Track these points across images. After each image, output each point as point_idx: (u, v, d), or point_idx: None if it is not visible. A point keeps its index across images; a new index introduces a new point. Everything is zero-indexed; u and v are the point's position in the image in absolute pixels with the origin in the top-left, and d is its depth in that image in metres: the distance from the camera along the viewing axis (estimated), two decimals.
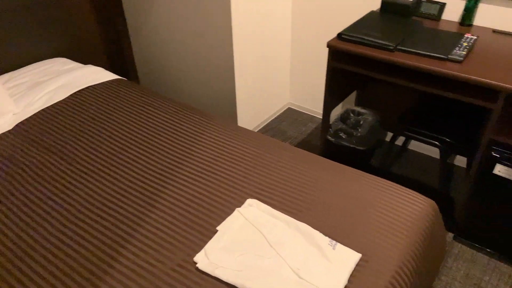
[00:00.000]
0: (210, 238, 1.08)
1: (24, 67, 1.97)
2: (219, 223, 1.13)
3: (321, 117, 2.69)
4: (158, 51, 2.52)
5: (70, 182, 1.30)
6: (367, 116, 2.08)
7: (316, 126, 2.62)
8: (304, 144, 2.45)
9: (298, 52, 2.55)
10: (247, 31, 2.17)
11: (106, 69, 2.52)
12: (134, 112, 1.65)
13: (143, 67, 2.71)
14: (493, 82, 1.37)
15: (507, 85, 1.34)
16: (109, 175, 1.33)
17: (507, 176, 1.45)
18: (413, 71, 1.62)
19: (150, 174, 1.33)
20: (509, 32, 1.72)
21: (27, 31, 1.96)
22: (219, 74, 2.28)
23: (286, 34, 2.49)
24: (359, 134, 1.99)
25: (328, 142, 2.05)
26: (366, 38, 1.66)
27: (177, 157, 1.40)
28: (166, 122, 1.59)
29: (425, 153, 2.30)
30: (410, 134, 1.78)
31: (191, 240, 1.09)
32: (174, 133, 1.53)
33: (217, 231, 1.10)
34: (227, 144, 1.47)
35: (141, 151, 1.43)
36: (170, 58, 2.49)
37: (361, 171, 1.39)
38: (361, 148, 1.99)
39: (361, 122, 2.06)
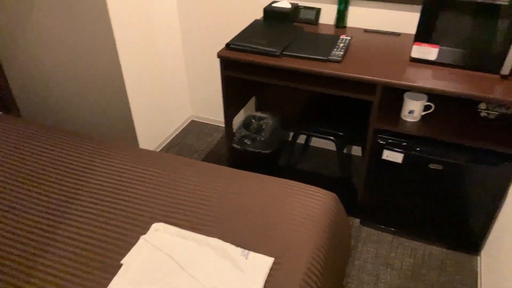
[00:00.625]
0: (114, 274, 1.01)
1: None
2: (124, 255, 1.07)
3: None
4: (39, 80, 2.30)
5: None
6: (268, 120, 2.15)
7: (222, 135, 2.64)
8: (213, 155, 2.45)
9: (192, 64, 2.54)
10: (134, 49, 2.09)
11: None
12: (17, 149, 1.48)
13: (24, 98, 2.45)
14: (369, 77, 1.51)
15: (381, 79, 1.50)
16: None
17: (393, 160, 1.62)
18: (300, 73, 1.72)
19: (40, 214, 1.20)
20: (377, 30, 1.92)
21: None
22: (111, 96, 2.17)
23: (177, 48, 2.47)
24: (262, 138, 2.05)
25: (234, 150, 2.08)
26: (253, 46, 1.72)
27: (70, 191, 1.29)
28: (55, 154, 1.46)
29: (326, 147, 2.46)
30: (307, 132, 1.89)
31: (94, 281, 1.01)
32: (65, 165, 1.40)
33: (121, 265, 1.04)
34: (127, 169, 1.40)
35: (29, 190, 1.29)
36: (54, 86, 2.29)
37: (264, 175, 1.43)
38: (266, 151, 2.05)
39: (263, 126, 2.13)
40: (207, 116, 2.75)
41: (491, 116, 1.58)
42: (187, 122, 2.77)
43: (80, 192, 1.29)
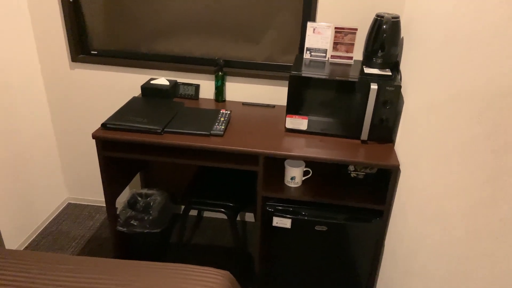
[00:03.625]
0: None
1: None
2: None
3: None
4: None
5: None
6: (156, 196, 2.05)
7: (104, 217, 2.42)
8: (96, 240, 2.21)
9: (65, 144, 2.34)
10: None
11: None
12: None
13: None
14: (252, 149, 1.58)
15: (263, 150, 1.58)
16: None
17: (283, 225, 1.67)
18: (184, 149, 1.71)
19: None
20: (254, 103, 2.06)
21: None
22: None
23: (47, 128, 2.27)
24: (151, 217, 1.93)
25: (120, 233, 1.91)
26: (132, 125, 1.67)
27: None
28: None
29: (219, 217, 2.43)
30: (198, 206, 1.85)
31: None
32: None
33: None
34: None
35: None
36: None
37: (156, 263, 1.32)
38: (156, 230, 1.93)
39: (151, 204, 2.02)
40: (85, 197, 2.51)
41: (360, 176, 1.77)
42: (63, 206, 2.49)
43: None
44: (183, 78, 2.10)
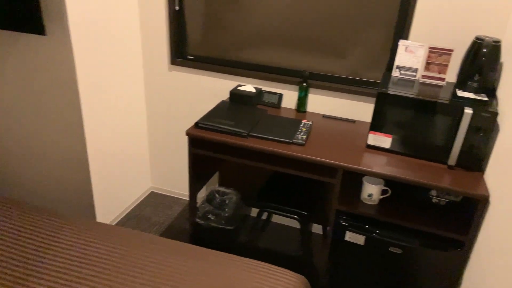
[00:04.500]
0: None
1: None
2: None
3: (186, 199, 2.68)
4: None
5: None
6: (232, 196, 2.17)
7: (182, 209, 2.60)
8: (172, 229, 2.39)
9: (155, 137, 2.56)
10: (100, 121, 2.10)
11: None
12: None
13: None
14: (332, 161, 1.62)
15: (343, 163, 1.60)
16: None
17: (355, 241, 1.68)
18: (265, 154, 1.79)
19: None
20: (335, 116, 2.09)
21: None
22: (72, 167, 2.11)
23: (142, 121, 2.50)
24: (226, 214, 2.05)
25: (197, 225, 2.05)
26: (221, 126, 1.79)
27: (26, 275, 1.20)
28: (10, 232, 1.36)
29: (286, 224, 2.49)
30: (273, 210, 1.92)
31: None
32: (20, 246, 1.31)
33: None
34: (87, 247, 1.33)
35: None
36: (11, 153, 2.20)
37: (230, 255, 1.42)
38: (229, 227, 2.04)
39: (227, 202, 2.14)
40: (167, 187, 2.72)
41: (442, 203, 1.72)
42: (147, 193, 2.72)
43: (36, 275, 1.20)
44: (267, 86, 2.20)
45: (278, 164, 1.75)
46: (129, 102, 2.32)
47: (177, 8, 2.18)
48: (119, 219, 2.44)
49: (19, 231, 1.37)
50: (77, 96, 1.90)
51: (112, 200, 2.33)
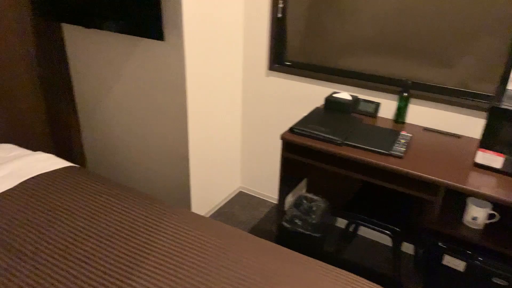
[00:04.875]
0: None
1: None
2: None
3: (272, 201, 2.74)
4: (109, 137, 2.51)
5: (20, 279, 1.17)
6: (320, 203, 2.16)
7: (268, 211, 2.66)
8: (257, 230, 2.46)
9: (248, 141, 2.67)
10: (202, 120, 2.26)
11: (51, 152, 2.44)
12: (88, 202, 1.58)
13: (92, 152, 2.65)
14: (433, 177, 1.53)
15: (446, 181, 1.50)
16: (64, 270, 1.22)
17: (454, 267, 1.56)
18: (359, 164, 1.76)
19: (109, 270, 1.25)
20: (438, 130, 1.96)
21: None
22: (173, 160, 2.30)
23: (235, 126, 2.63)
24: (313, 221, 2.05)
25: (284, 228, 2.08)
26: (316, 132, 1.80)
27: (137, 251, 1.34)
28: (122, 211, 1.54)
29: (373, 238, 2.40)
30: (362, 223, 1.87)
31: None
32: (131, 224, 1.47)
33: None
34: (188, 234, 1.44)
35: (96, 245, 1.35)
36: (121, 144, 2.48)
37: (317, 261, 1.42)
38: (316, 234, 2.04)
39: (314, 209, 2.14)
40: (255, 189, 2.81)
41: None
42: (236, 193, 2.84)
43: (147, 253, 1.33)
44: (364, 94, 2.16)
45: (372, 176, 1.71)
46: (227, 105, 2.45)
47: (279, 15, 2.25)
48: (210, 214, 2.59)
49: (130, 213, 1.54)
50: (184, 98, 2.07)
51: (205, 196, 2.49)
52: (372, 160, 1.64)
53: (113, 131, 2.47)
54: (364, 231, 2.43)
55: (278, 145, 2.56)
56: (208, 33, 2.09)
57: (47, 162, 1.83)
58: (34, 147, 2.31)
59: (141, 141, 2.39)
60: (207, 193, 2.51)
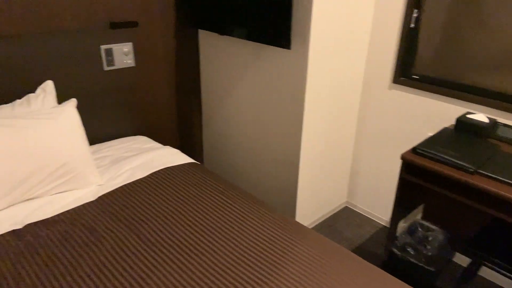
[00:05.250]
0: None
1: (109, 141, 2.14)
2: None
3: (379, 222, 2.59)
4: (225, 137, 2.65)
5: (143, 263, 1.31)
6: (437, 234, 1.97)
7: (375, 231, 2.52)
8: (363, 250, 2.34)
9: (361, 154, 2.56)
10: (315, 130, 2.24)
11: (176, 147, 2.68)
12: (206, 198, 1.69)
13: (209, 149, 2.83)
14: None
15: None
16: (181, 262, 1.32)
17: None
18: (493, 197, 1.54)
19: (223, 266, 1.31)
20: None
21: (113, 109, 2.17)
22: (283, 164, 2.32)
23: (348, 137, 2.54)
24: (429, 252, 1.87)
25: (393, 255, 1.94)
26: (444, 156, 1.64)
27: (246, 255, 1.38)
28: (235, 212, 1.61)
29: (498, 283, 2.09)
30: (493, 266, 1.64)
31: None
32: (243, 227, 1.53)
33: None
34: (293, 244, 1.44)
35: (212, 240, 1.43)
36: (236, 144, 2.60)
37: None
38: (430, 268, 1.85)
39: (430, 239, 1.95)
40: (362, 206, 2.68)
41: None
42: (341, 207, 2.75)
43: (257, 259, 1.37)
44: (505, 118, 1.89)
45: (507, 212, 1.48)
46: (343, 116, 2.39)
47: (412, 26, 2.12)
48: (313, 225, 2.56)
49: (243, 215, 1.60)
50: (302, 106, 2.08)
51: (310, 206, 2.46)
52: (511, 195, 1.42)
53: (230, 132, 2.61)
54: (487, 272, 2.13)
55: (394, 164, 2.41)
56: (332, 42, 2.06)
57: (174, 157, 2.01)
58: (162, 141, 2.56)
59: (254, 143, 2.47)
60: (313, 203, 2.48)
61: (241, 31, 2.09)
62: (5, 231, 1.42)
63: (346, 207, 2.77)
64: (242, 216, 1.59)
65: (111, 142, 2.13)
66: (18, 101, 1.73)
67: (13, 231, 1.42)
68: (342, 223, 2.60)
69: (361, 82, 2.41)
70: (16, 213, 1.51)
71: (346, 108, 2.38)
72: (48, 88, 1.80)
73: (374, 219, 2.63)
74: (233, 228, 1.51)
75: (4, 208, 1.52)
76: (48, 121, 1.61)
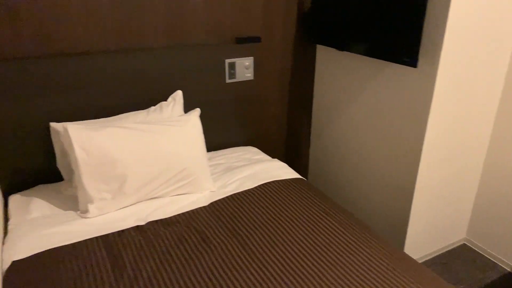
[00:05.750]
0: None
1: (223, 150, 2.25)
2: None
3: (506, 267, 2.24)
4: (333, 154, 2.58)
5: (249, 277, 1.33)
6: None
7: (498, 277, 2.18)
8: None
9: (488, 185, 2.25)
10: (436, 157, 2.03)
11: (282, 160, 2.70)
12: (312, 218, 1.65)
13: (315, 165, 2.79)
14: None
15: None
16: (287, 282, 1.31)
17: None
18: None
19: None
20: None
21: (229, 120, 2.27)
22: (395, 190, 2.16)
23: (476, 165, 2.25)
24: None
25: None
26: None
27: (353, 287, 1.31)
28: (341, 236, 1.54)
29: None
30: None
31: None
32: (350, 254, 1.45)
33: None
34: (405, 282, 1.31)
35: (317, 265, 1.40)
36: (343, 163, 2.51)
37: None
38: None
39: None
40: (484, 246, 2.35)
41: None
42: (459, 244, 2.46)
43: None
44: None
45: None
46: (469, 143, 2.13)
47: None
48: (424, 260, 2.33)
49: (345, 239, 1.53)
50: (423, 129, 1.91)
51: (423, 238, 2.24)
52: None
53: (338, 150, 2.53)
54: None
55: None
56: (465, 62, 1.86)
57: (282, 170, 2.02)
58: (269, 152, 2.61)
59: (363, 164, 2.36)
60: (426, 236, 2.25)
61: (361, 47, 2.02)
62: (130, 226, 1.58)
63: (465, 244, 2.46)
64: (349, 242, 1.52)
65: (225, 151, 2.24)
66: (152, 108, 1.93)
67: (137, 226, 1.58)
68: (458, 262, 2.31)
69: (495, 108, 2.12)
70: (140, 210, 1.67)
71: (475, 135, 2.12)
72: (177, 97, 1.97)
73: (498, 262, 2.29)
74: (339, 254, 1.45)
75: (132, 204, 1.70)
76: (176, 128, 1.75)
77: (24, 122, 1.74)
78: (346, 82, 2.34)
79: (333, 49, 2.37)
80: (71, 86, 1.78)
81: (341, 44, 2.14)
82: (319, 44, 2.32)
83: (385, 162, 2.20)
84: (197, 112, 1.89)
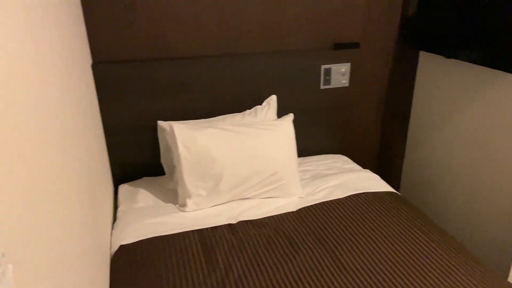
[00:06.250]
0: None
1: (312, 156, 2.24)
2: None
3: None
4: (429, 171, 2.40)
5: (339, 286, 1.31)
6: None
7: None
8: None
9: None
10: None
11: (373, 171, 2.59)
12: (405, 234, 1.56)
13: (407, 181, 2.63)
14: None
15: None
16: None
17: None
18: None
19: None
20: None
21: (321, 126, 2.25)
22: (501, 215, 1.94)
23: None
24: None
25: None
26: None
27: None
28: (437, 258, 1.43)
29: None
30: None
31: None
32: (448, 278, 1.34)
33: None
34: None
35: (410, 285, 1.32)
36: (440, 182, 2.32)
37: None
38: None
39: None
40: None
41: None
42: None
43: None
44: None
45: None
46: None
47: None
48: None
49: (443, 259, 1.41)
50: None
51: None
52: None
53: (437, 167, 2.35)
54: None
55: None
56: None
57: (373, 182, 1.94)
58: (360, 162, 2.52)
59: (464, 183, 2.16)
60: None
61: (473, 54, 1.85)
62: (223, 224, 1.65)
63: None
64: (447, 265, 1.41)
65: (314, 157, 2.23)
66: (247, 111, 2.00)
67: (229, 225, 1.65)
68: None
69: None
70: (232, 209, 1.74)
71: None
72: (272, 101, 2.01)
73: None
74: (438, 279, 1.35)
75: (225, 203, 1.78)
76: (270, 132, 1.79)
77: (135, 120, 1.92)
78: (452, 92, 2.16)
79: (439, 56, 2.21)
80: (178, 89, 1.93)
81: (449, 51, 1.99)
82: (423, 50, 2.18)
83: (491, 184, 1.98)
84: (290, 117, 1.91)
